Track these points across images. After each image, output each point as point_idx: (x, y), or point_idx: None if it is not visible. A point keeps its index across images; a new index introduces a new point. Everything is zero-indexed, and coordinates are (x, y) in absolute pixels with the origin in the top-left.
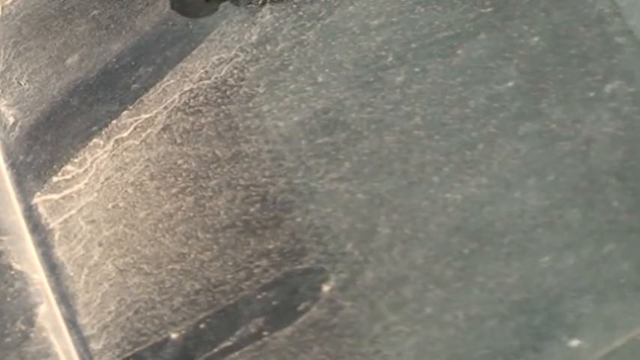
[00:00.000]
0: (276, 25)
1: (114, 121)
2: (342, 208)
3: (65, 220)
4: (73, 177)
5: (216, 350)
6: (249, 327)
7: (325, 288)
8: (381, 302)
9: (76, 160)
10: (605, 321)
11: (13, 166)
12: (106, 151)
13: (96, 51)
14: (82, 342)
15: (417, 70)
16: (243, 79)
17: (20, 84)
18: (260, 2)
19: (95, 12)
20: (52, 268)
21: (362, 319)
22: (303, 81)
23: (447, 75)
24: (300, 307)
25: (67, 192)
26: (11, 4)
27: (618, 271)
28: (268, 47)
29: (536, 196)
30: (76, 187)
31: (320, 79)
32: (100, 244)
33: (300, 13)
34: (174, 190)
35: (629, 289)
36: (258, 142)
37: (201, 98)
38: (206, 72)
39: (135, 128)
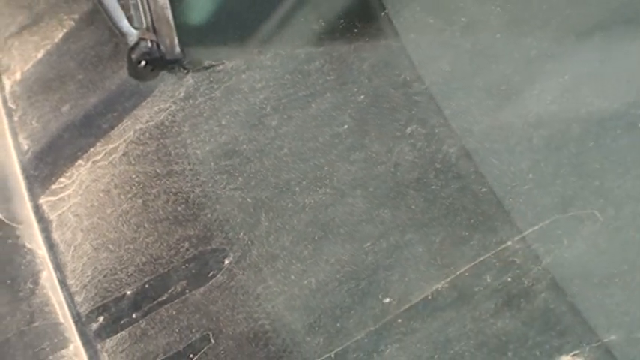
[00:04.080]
0: (196, 86)
1: (91, 149)
2: (236, 208)
3: (60, 215)
4: (65, 186)
5: (155, 302)
6: (177, 287)
7: (226, 262)
8: (262, 271)
9: (67, 175)
10: (406, 285)
11: (27, 178)
12: (86, 169)
13: (80, 102)
14: (69, 296)
15: (285, 117)
16: (174, 122)
17: (32, 124)
18: (185, 72)
19: (80, 76)
20: (51, 246)
21: (249, 283)
22: (212, 123)
23: (305, 120)
24: (210, 274)
25: (61, 195)
26: (26, 71)
27: (415, 252)
28: (191, 101)
29: (362, 202)
30: (67, 193)
31: (223, 122)
32: (82, 230)
33: (211, 78)
34: (129, 195)
35: (422, 265)
36: (183, 164)
37: (147, 134)
38: (150, 117)
39: (105, 154)
